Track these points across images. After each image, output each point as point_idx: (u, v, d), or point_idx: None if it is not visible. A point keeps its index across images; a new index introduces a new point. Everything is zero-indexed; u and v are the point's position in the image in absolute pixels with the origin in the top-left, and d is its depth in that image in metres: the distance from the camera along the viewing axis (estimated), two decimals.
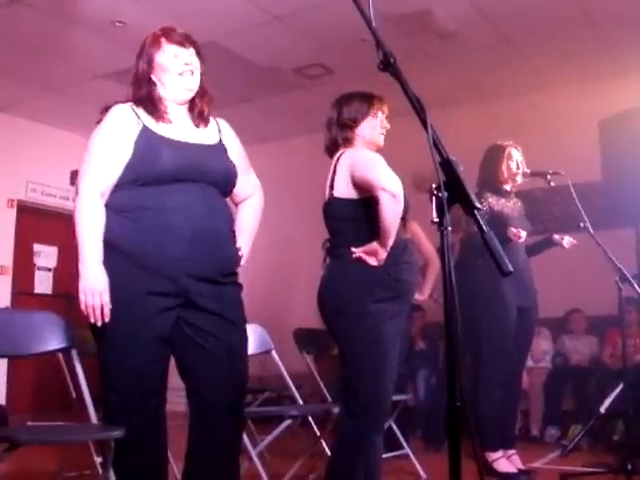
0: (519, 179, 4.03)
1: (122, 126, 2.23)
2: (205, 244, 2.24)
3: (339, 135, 2.80)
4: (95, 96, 6.35)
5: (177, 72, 2.29)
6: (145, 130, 2.25)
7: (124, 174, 2.21)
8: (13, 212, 7.20)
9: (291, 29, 5.31)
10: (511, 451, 3.94)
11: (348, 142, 2.79)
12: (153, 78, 2.30)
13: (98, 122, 2.29)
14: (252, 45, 5.57)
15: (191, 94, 2.34)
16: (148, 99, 2.29)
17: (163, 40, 2.30)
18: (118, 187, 2.23)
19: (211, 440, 2.27)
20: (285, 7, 4.99)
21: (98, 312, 2.12)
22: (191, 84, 2.32)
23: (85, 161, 2.23)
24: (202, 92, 2.38)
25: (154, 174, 2.20)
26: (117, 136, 2.22)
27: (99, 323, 2.13)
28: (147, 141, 2.23)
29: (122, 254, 2.18)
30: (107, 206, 2.21)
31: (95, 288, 2.12)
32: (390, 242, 2.56)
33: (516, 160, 4.03)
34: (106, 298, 2.13)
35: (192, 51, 2.33)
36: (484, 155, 4.12)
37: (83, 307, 2.13)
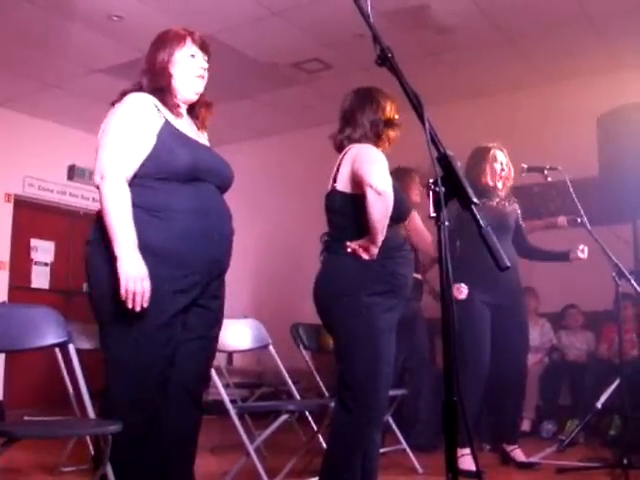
0: (500, 184, 3.99)
1: (145, 115, 2.21)
2: (224, 245, 2.31)
3: (381, 133, 2.75)
4: (92, 91, 6.39)
5: (195, 74, 2.33)
6: (167, 124, 2.24)
7: (144, 165, 2.19)
8: (10, 207, 7.18)
9: (289, 24, 5.30)
10: (512, 446, 3.99)
11: (381, 141, 2.75)
12: (171, 71, 2.30)
13: (113, 104, 2.27)
14: (250, 40, 5.55)
15: (196, 97, 2.37)
16: (167, 91, 2.29)
17: (188, 39, 2.33)
18: (135, 179, 2.19)
19: (169, 426, 2.28)
20: (283, 2, 4.98)
21: (139, 298, 2.08)
22: (200, 88, 2.37)
23: (107, 144, 2.18)
24: (207, 103, 2.43)
25: (174, 170, 2.20)
26: (141, 124, 2.19)
27: (137, 309, 2.08)
28: (170, 135, 2.23)
29: (152, 253, 2.14)
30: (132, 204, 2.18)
31: (137, 274, 2.08)
32: (379, 239, 2.55)
33: (500, 162, 4.01)
34: (147, 285, 2.10)
35: (206, 57, 2.37)
36: (469, 156, 4.08)
37: (123, 292, 2.06)
